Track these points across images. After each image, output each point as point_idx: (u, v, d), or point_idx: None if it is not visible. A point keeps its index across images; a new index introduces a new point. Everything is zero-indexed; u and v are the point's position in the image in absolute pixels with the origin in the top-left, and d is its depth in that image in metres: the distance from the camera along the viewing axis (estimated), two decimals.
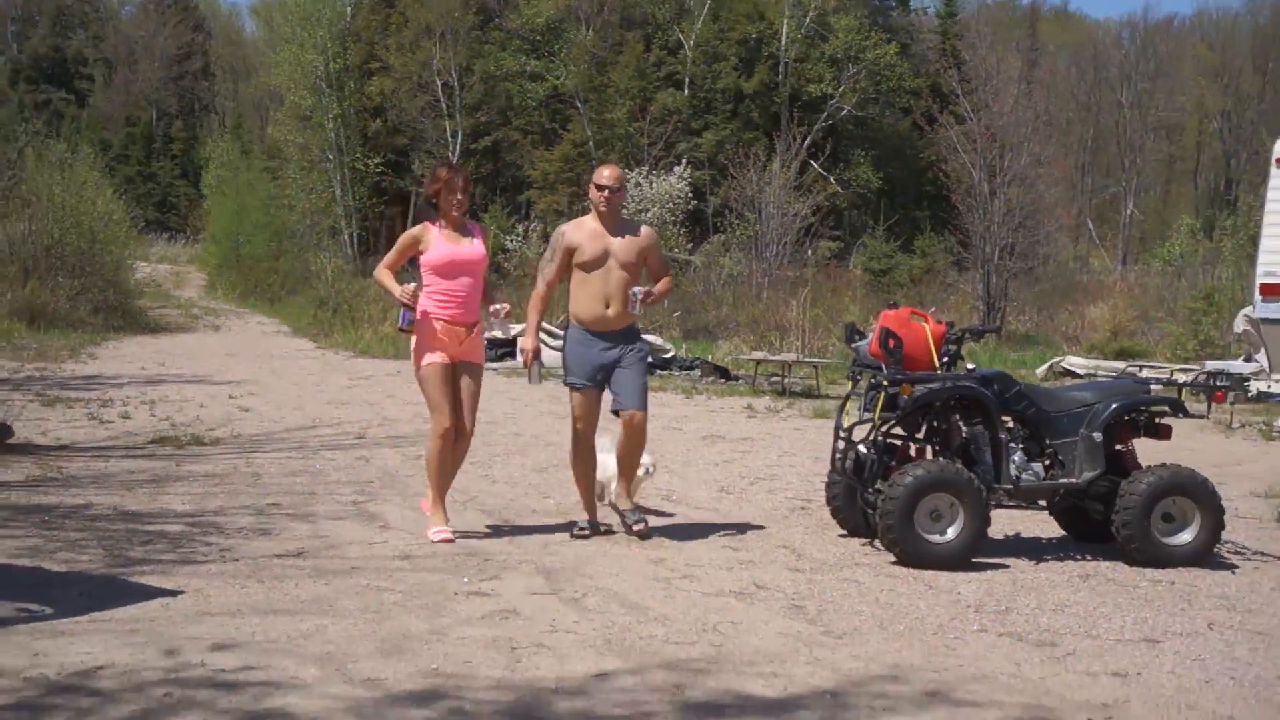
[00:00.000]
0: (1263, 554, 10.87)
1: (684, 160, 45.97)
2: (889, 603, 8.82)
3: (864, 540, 10.58)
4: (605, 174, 10.52)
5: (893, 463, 10.41)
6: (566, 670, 7.11)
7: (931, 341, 10.45)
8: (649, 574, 9.37)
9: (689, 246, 42.30)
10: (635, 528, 10.45)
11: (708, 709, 6.57)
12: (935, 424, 10.48)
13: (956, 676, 7.30)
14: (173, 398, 19.29)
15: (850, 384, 11.46)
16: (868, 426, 10.65)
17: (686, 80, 56.27)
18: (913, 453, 10.58)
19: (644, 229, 10.88)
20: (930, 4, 73.27)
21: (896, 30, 63.63)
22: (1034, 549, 10.75)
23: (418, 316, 10.23)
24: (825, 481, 11.23)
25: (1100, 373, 24.59)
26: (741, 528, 11.20)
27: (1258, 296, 20.14)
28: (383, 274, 10.48)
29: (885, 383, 10.35)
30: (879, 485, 10.16)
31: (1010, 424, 10.48)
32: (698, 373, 25.17)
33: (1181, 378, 14.76)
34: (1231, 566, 10.35)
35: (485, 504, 11.88)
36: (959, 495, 9.72)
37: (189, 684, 6.66)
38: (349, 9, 60.01)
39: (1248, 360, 22.41)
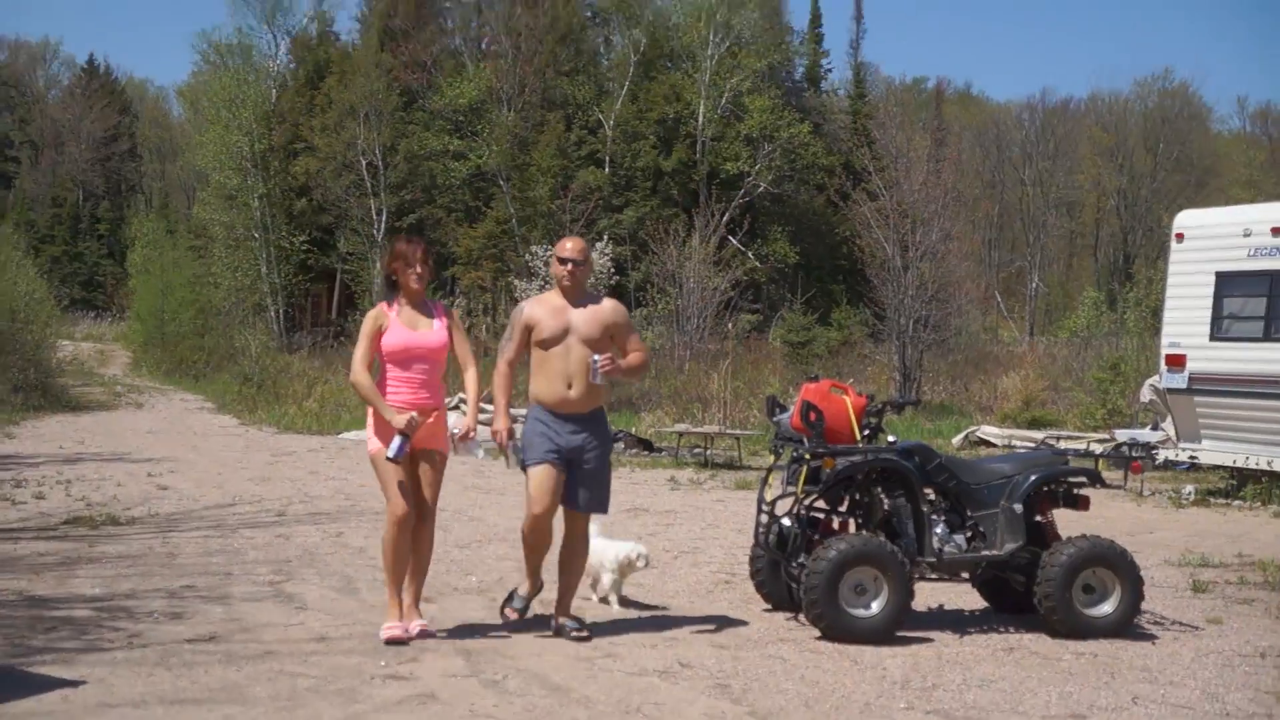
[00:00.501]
0: (1180, 623, 10.78)
1: (605, 236, 45.98)
2: (814, 680, 8.60)
3: (788, 615, 10.34)
4: (568, 246, 9.60)
5: (816, 536, 10.25)
6: None
7: (852, 414, 10.34)
8: (571, 653, 9.08)
9: None
10: (574, 634, 9.36)
11: None
12: (858, 497, 10.35)
13: None
14: (90, 476, 18.73)
15: (773, 457, 11.27)
16: (790, 500, 10.45)
17: (607, 159, 56.50)
18: (836, 526, 10.41)
19: (607, 301, 9.71)
20: (841, 86, 73.96)
21: (809, 110, 64.08)
22: (957, 621, 10.59)
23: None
24: (749, 555, 11.00)
25: (1015, 442, 24.65)
26: (665, 603, 10.86)
27: (1163, 367, 20.19)
28: (365, 381, 9.24)
29: (807, 456, 10.19)
30: (802, 559, 9.95)
31: (932, 496, 10.35)
32: (621, 445, 24.87)
33: (1098, 448, 14.69)
34: (1151, 637, 10.29)
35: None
36: (882, 569, 9.62)
37: None
38: (274, 91, 60.06)
39: (1155, 429, 22.56)
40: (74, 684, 7.88)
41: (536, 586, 9.82)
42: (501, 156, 54.47)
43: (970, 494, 10.29)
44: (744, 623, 10.24)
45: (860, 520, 10.30)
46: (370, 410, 9.27)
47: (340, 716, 7.44)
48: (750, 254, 49.67)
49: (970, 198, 54.25)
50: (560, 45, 58.33)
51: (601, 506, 9.58)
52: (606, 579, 10.62)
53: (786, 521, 10.34)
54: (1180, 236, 20.40)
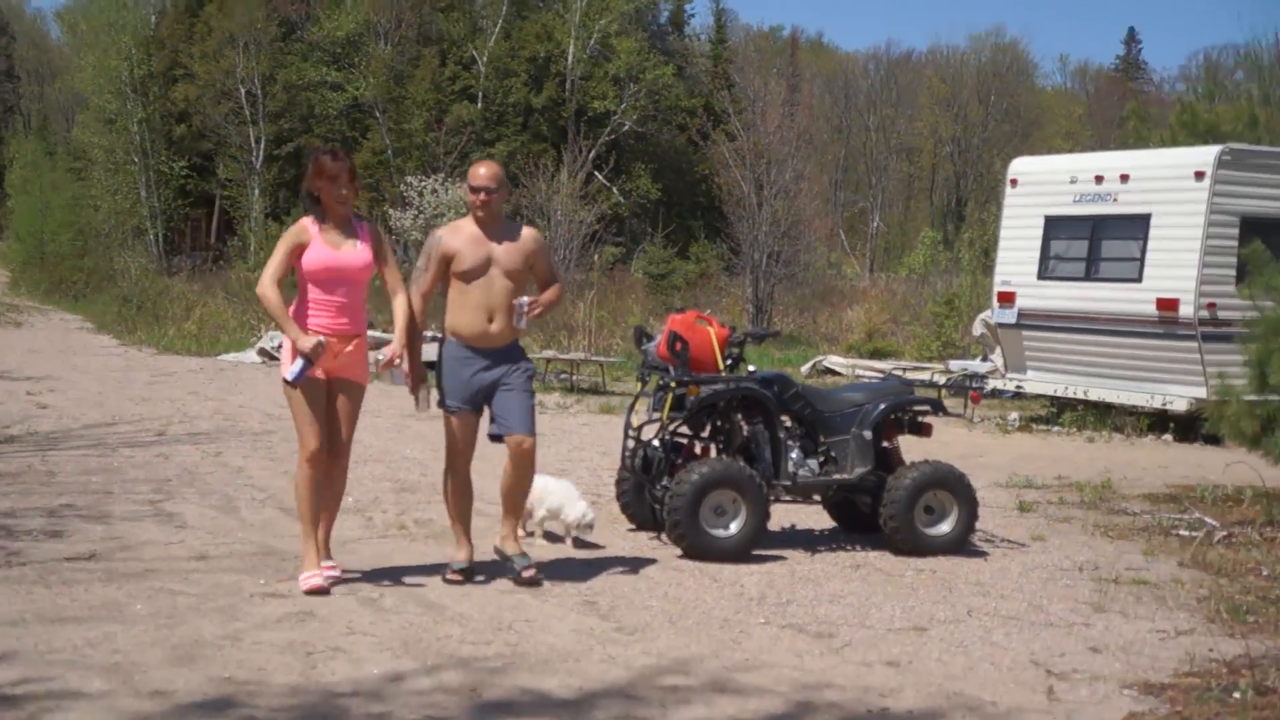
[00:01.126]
0: (1009, 541, 10.95)
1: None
2: (677, 597, 8.60)
3: (652, 534, 10.31)
4: (481, 172, 8.44)
5: (679, 460, 10.23)
6: (362, 673, 6.69)
7: (716, 345, 10.33)
8: (441, 569, 8.88)
9: None
10: (526, 574, 8.35)
11: (503, 708, 6.25)
12: (719, 423, 10.33)
13: (743, 668, 7.10)
14: None
15: (639, 385, 11.15)
16: (656, 425, 10.40)
17: (480, 94, 56.06)
18: (698, 451, 10.37)
19: (528, 231, 8.63)
20: (703, 31, 73.85)
21: (673, 54, 63.97)
22: (809, 540, 10.64)
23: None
24: (615, 478, 10.98)
25: (859, 371, 24.81)
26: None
27: (995, 303, 20.39)
28: (273, 296, 7.89)
29: (673, 384, 10.14)
30: (666, 482, 9.93)
31: (788, 423, 10.35)
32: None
33: (941, 379, 14.74)
34: (984, 554, 10.43)
35: (284, 502, 11.10)
36: (741, 491, 9.65)
37: None
38: (153, 17, 58.85)
39: (984, 360, 22.80)
40: None
41: (469, 550, 8.64)
42: (377, 89, 53.92)
43: (824, 421, 10.34)
44: (610, 543, 10.17)
45: (721, 445, 10.29)
46: (286, 338, 7.99)
47: (220, 634, 7.24)
48: (615, 189, 49.58)
49: (820, 141, 54.49)
50: None
51: (529, 427, 8.42)
52: (541, 513, 9.97)
53: (652, 446, 10.32)
54: (1014, 182, 20.59)
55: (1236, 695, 6.97)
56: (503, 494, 8.60)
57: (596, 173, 48.22)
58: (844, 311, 34.91)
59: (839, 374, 25.24)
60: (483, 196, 8.30)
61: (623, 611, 8.10)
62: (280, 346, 8.50)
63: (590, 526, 9.96)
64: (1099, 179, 19.16)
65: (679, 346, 10.06)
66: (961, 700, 6.74)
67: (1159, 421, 18.57)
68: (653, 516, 10.15)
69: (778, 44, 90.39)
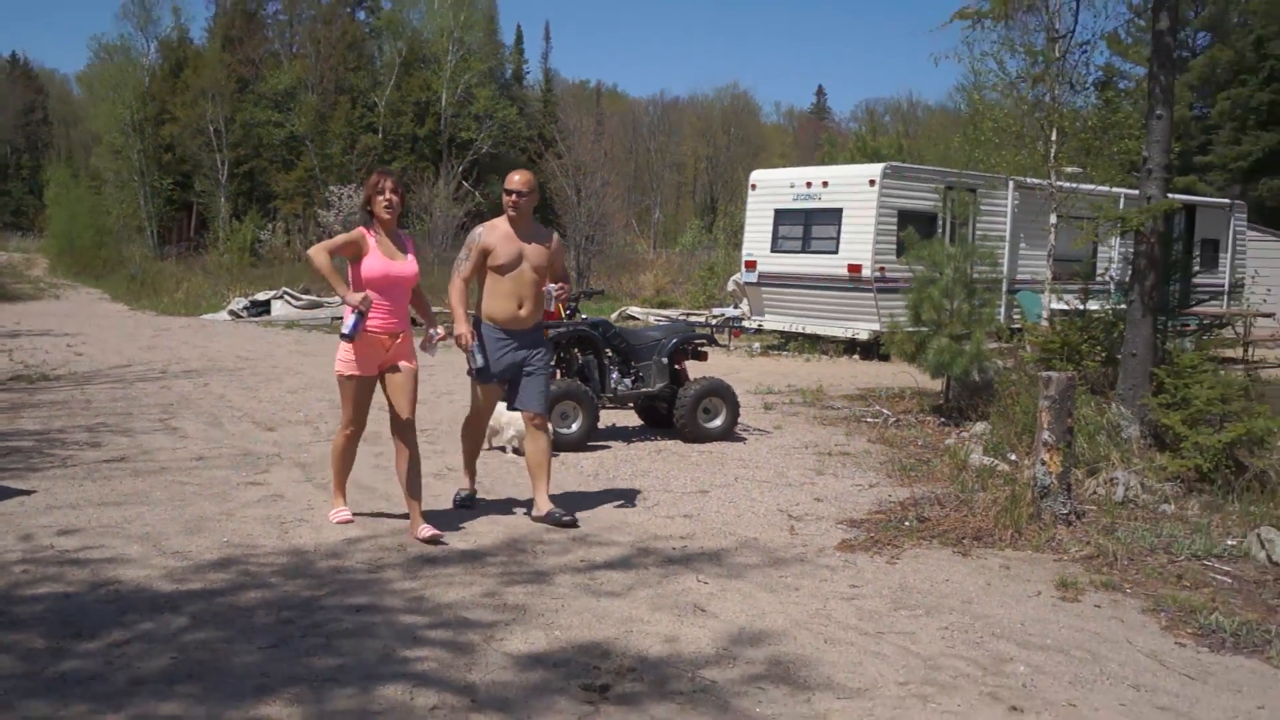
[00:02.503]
0: (759, 429, 11.03)
1: None
2: None
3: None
4: (516, 179, 7.24)
5: None
6: (322, 538, 6.61)
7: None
8: (371, 463, 8.82)
9: None
10: (565, 519, 7.03)
11: (423, 559, 6.21)
12: (562, 355, 10.30)
13: (592, 525, 7.11)
14: (25, 346, 17.31)
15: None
16: None
17: (380, 128, 54.83)
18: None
19: (554, 237, 7.45)
20: (536, 83, 73.08)
21: (516, 99, 63.12)
22: (625, 434, 10.64)
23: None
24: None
25: (651, 317, 24.88)
26: (434, 427, 10.67)
27: (743, 269, 20.61)
28: (323, 257, 6.58)
29: None
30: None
31: (610, 354, 10.36)
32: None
33: (715, 322, 14.88)
34: (744, 439, 10.50)
35: (256, 417, 10.95)
36: (579, 402, 9.72)
37: (42, 562, 5.91)
38: (146, 78, 56.81)
39: (735, 308, 23.03)
40: (27, 493, 7.40)
41: (474, 483, 7.65)
42: (307, 125, 52.62)
43: (634, 351, 10.42)
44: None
45: (564, 370, 10.28)
46: (364, 322, 6.60)
47: (218, 511, 7.10)
48: (477, 194, 48.79)
49: (617, 160, 54.36)
50: (348, 50, 56.32)
51: (543, 406, 7.26)
52: (509, 433, 9.38)
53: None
54: (754, 186, 20.79)
55: (906, 523, 7.24)
56: (529, 465, 7.24)
57: (464, 182, 47.58)
58: (639, 276, 34.91)
59: (637, 319, 25.21)
60: (514, 199, 7.11)
61: (501, 487, 8.11)
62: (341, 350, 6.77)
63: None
64: (809, 184, 19.45)
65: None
66: (736, 538, 6.86)
67: (850, 346, 18.86)
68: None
69: (587, 91, 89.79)
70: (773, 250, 19.84)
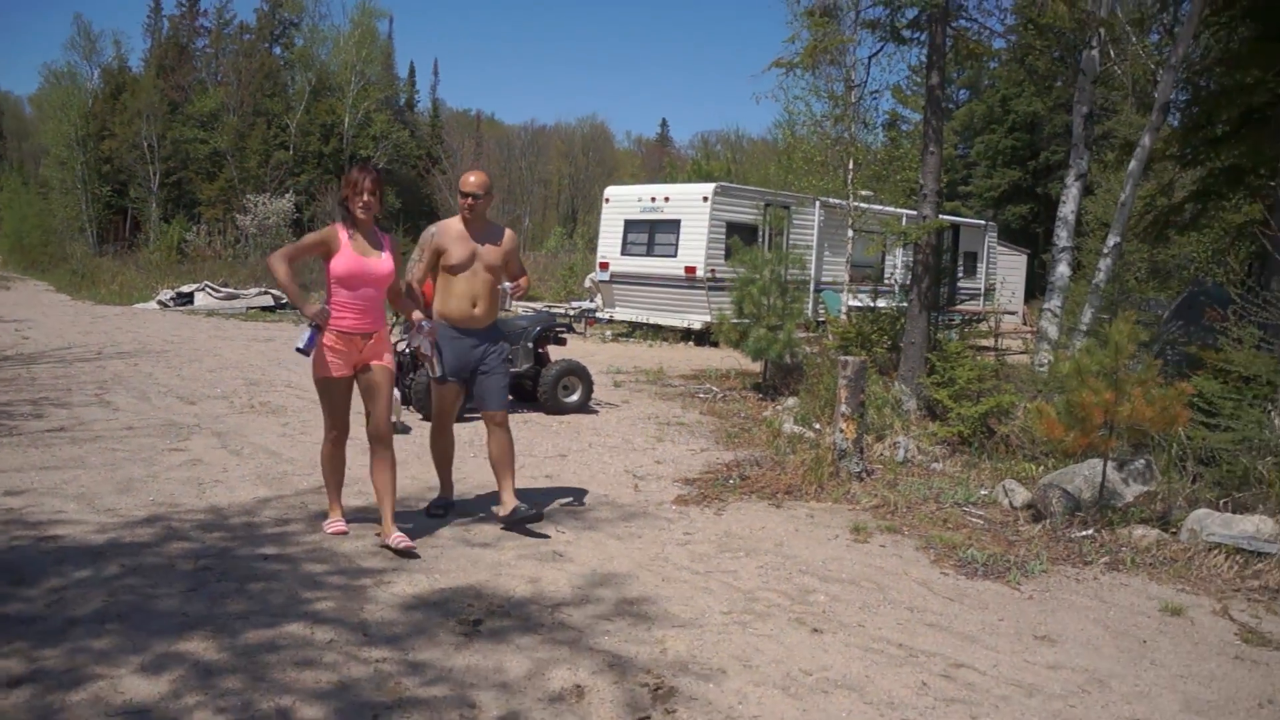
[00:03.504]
0: (610, 403, 10.97)
1: (290, 190, 43.43)
2: (420, 442, 8.21)
3: (405, 407, 9.90)
4: (471, 181, 6.06)
5: (420, 364, 9.85)
6: (236, 497, 6.33)
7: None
8: (278, 431, 8.52)
9: (295, 239, 39.89)
10: (530, 512, 5.99)
11: (326, 515, 5.93)
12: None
13: (462, 483, 6.99)
14: None
15: (396, 320, 10.79)
16: (404, 344, 10.00)
17: (291, 146, 52.97)
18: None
19: (507, 233, 6.26)
20: (426, 110, 71.49)
21: (408, 123, 61.48)
22: None
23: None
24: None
25: (518, 309, 24.63)
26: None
27: (598, 268, 20.54)
28: (281, 269, 5.35)
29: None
30: (413, 375, 9.73)
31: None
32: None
33: (574, 313, 14.77)
34: (596, 412, 10.42)
35: (179, 393, 10.45)
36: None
37: None
38: (89, 100, 53.94)
39: (591, 301, 22.95)
40: None
41: (450, 493, 6.45)
42: (228, 142, 50.54)
43: (506, 338, 10.21)
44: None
45: None
46: (320, 335, 5.44)
47: (144, 474, 6.76)
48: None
49: (493, 175, 53.75)
50: (265, 79, 54.15)
51: (502, 404, 6.19)
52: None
53: (400, 348, 10.03)
54: (608, 200, 20.71)
55: (730, 481, 7.29)
56: (492, 462, 6.18)
57: None
58: None
59: (510, 310, 24.98)
60: (470, 201, 6.02)
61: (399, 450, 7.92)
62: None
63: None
64: (653, 199, 19.46)
65: (428, 301, 9.88)
66: (591, 496, 6.81)
67: (686, 334, 18.91)
68: (405, 397, 9.82)
69: (469, 118, 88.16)
70: (623, 253, 19.82)
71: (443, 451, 6.34)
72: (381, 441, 5.56)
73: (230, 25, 57.04)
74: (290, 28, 57.93)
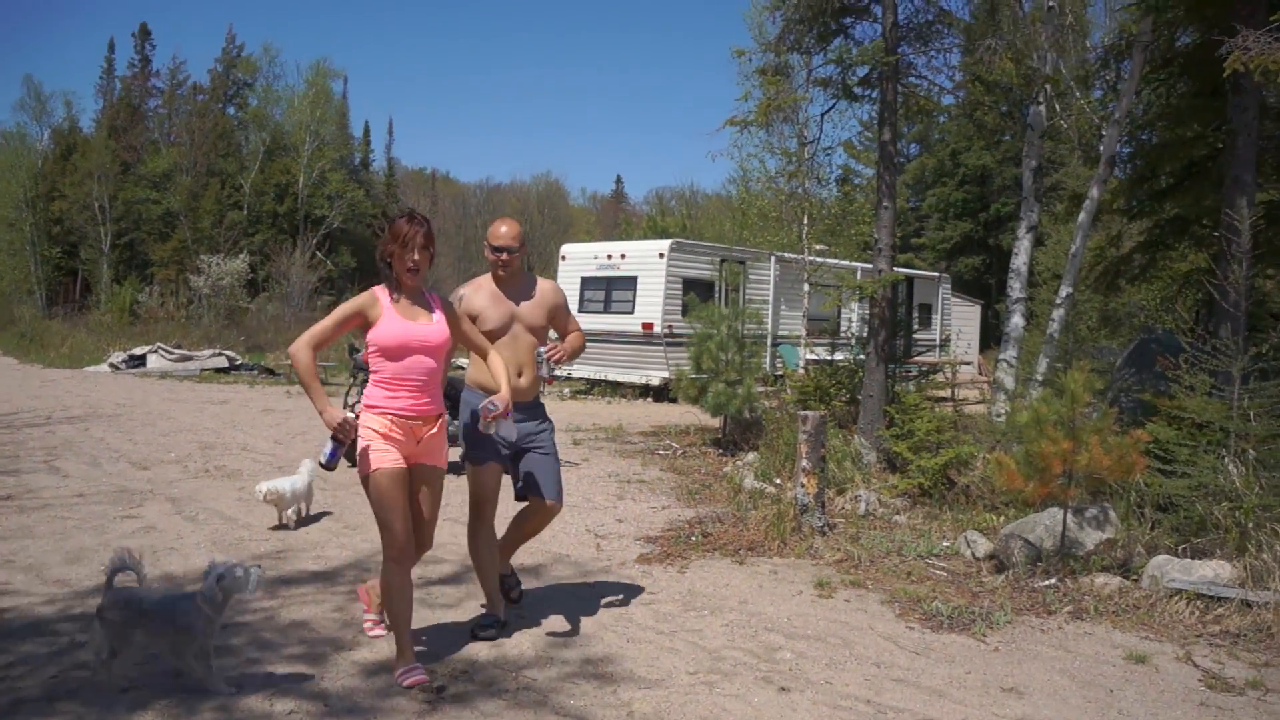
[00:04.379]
0: (570, 461, 10.79)
1: (245, 250, 43.25)
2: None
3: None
4: (503, 231, 5.16)
5: None
6: (191, 564, 6.22)
7: None
8: (234, 496, 8.39)
9: (249, 300, 39.58)
10: (513, 594, 5.55)
11: (283, 580, 5.88)
12: None
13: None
14: None
15: (351, 380, 10.72)
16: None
17: (245, 205, 52.75)
18: None
19: (544, 284, 5.29)
20: (381, 170, 71.60)
21: (363, 182, 61.50)
22: (456, 468, 10.16)
23: (361, 410, 4.54)
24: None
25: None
26: (290, 464, 10.20)
27: None
28: (304, 359, 4.36)
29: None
30: None
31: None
32: (256, 372, 23.25)
33: None
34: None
35: (131, 458, 10.30)
36: None
37: None
38: (39, 160, 53.48)
39: None
40: None
41: (498, 606, 5.24)
42: (181, 203, 50.21)
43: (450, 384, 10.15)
44: (339, 473, 9.61)
45: None
46: (362, 421, 4.49)
47: (95, 542, 6.63)
48: (329, 262, 47.42)
49: (449, 234, 53.70)
50: (218, 139, 54.02)
51: (560, 493, 5.27)
52: (290, 512, 7.29)
53: (358, 409, 9.94)
54: (564, 257, 20.83)
55: (693, 538, 7.27)
56: (515, 531, 5.48)
57: (317, 252, 46.28)
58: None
59: (465, 369, 24.92)
60: (504, 256, 5.09)
61: (349, 516, 7.80)
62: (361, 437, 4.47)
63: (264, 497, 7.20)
64: (610, 256, 19.61)
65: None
66: (551, 555, 6.75)
67: (644, 391, 18.94)
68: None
69: (425, 176, 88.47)
70: (580, 310, 19.84)
71: (486, 553, 5.20)
72: (420, 550, 4.61)
73: (183, 86, 56.98)
74: (244, 88, 58.01)
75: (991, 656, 5.04)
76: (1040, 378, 10.81)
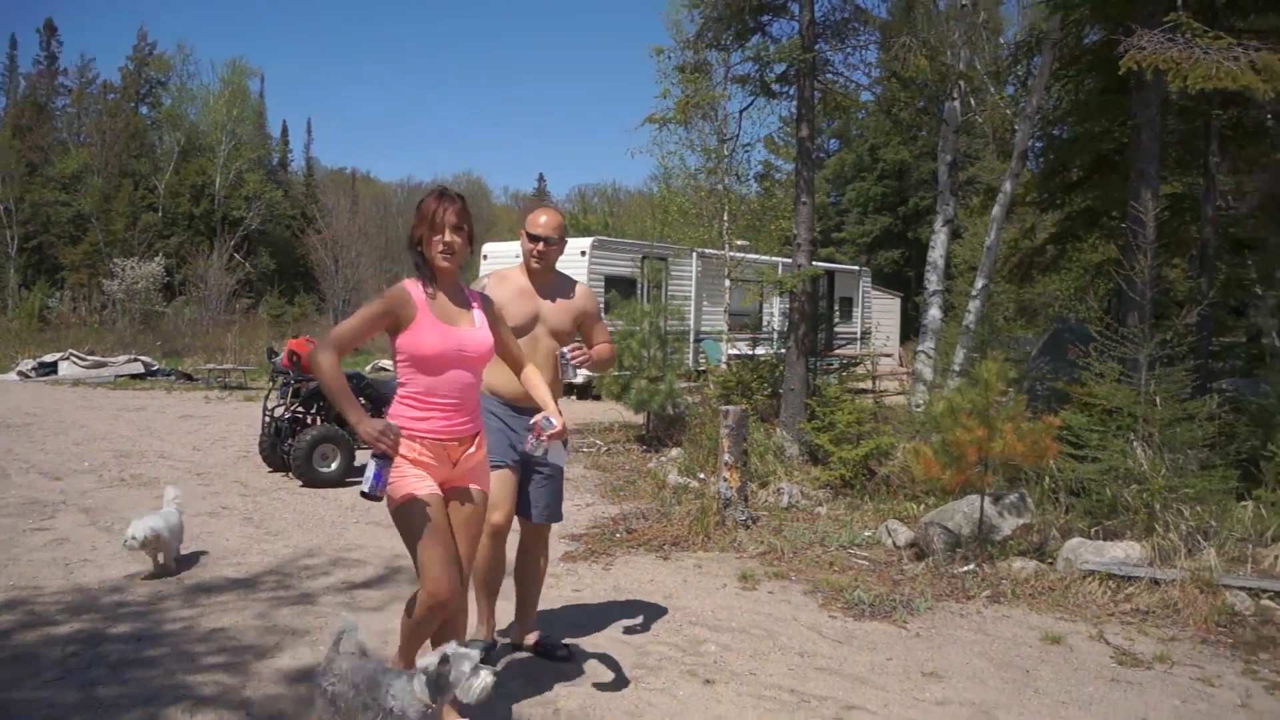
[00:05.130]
0: None
1: (160, 253, 42.16)
2: (301, 509, 8.16)
3: (283, 474, 9.68)
4: (541, 221, 4.62)
5: (298, 428, 9.63)
6: (105, 575, 6.04)
7: None
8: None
9: (166, 304, 38.60)
10: (560, 655, 4.75)
11: (202, 588, 5.77)
12: (321, 404, 9.80)
13: (348, 550, 6.80)
14: None
15: (271, 383, 10.52)
16: (282, 408, 9.84)
17: (160, 207, 51.43)
18: (309, 421, 9.79)
19: (580, 288, 4.78)
20: (300, 170, 70.29)
21: (281, 182, 60.43)
22: None
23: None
24: (258, 440, 10.30)
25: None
26: (208, 470, 9.99)
27: None
28: (328, 364, 3.57)
29: (293, 382, 9.62)
30: (291, 441, 9.38)
31: (363, 401, 9.91)
32: (173, 378, 22.68)
33: None
34: None
35: (43, 468, 9.93)
36: (338, 444, 9.30)
37: None
38: None
39: None
40: None
41: (491, 627, 4.80)
42: (93, 205, 48.74)
43: (384, 398, 9.97)
44: (257, 480, 9.51)
45: (323, 417, 9.78)
46: (390, 468, 3.56)
47: (3, 556, 6.39)
48: (247, 264, 46.42)
49: (370, 233, 52.91)
50: (131, 139, 52.52)
51: (558, 514, 4.80)
52: (164, 556, 5.98)
53: (282, 419, 9.75)
54: (485, 256, 20.66)
55: (617, 535, 7.28)
56: (518, 580, 4.87)
57: (235, 254, 45.31)
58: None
59: (389, 370, 24.57)
60: (541, 247, 4.54)
61: (269, 522, 7.63)
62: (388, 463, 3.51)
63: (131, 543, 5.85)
64: None
65: (296, 358, 9.68)
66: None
67: (568, 388, 18.76)
68: (283, 462, 9.60)
69: (344, 176, 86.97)
70: None
71: (493, 568, 4.63)
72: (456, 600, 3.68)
73: (93, 84, 55.34)
74: (157, 87, 56.61)
75: (912, 642, 5.14)
76: (958, 368, 11.04)
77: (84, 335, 29.69)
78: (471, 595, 4.41)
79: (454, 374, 3.66)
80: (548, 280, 4.66)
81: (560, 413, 3.89)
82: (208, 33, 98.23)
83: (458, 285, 3.80)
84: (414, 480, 3.59)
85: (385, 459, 3.45)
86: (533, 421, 3.84)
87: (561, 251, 4.63)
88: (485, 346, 3.72)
